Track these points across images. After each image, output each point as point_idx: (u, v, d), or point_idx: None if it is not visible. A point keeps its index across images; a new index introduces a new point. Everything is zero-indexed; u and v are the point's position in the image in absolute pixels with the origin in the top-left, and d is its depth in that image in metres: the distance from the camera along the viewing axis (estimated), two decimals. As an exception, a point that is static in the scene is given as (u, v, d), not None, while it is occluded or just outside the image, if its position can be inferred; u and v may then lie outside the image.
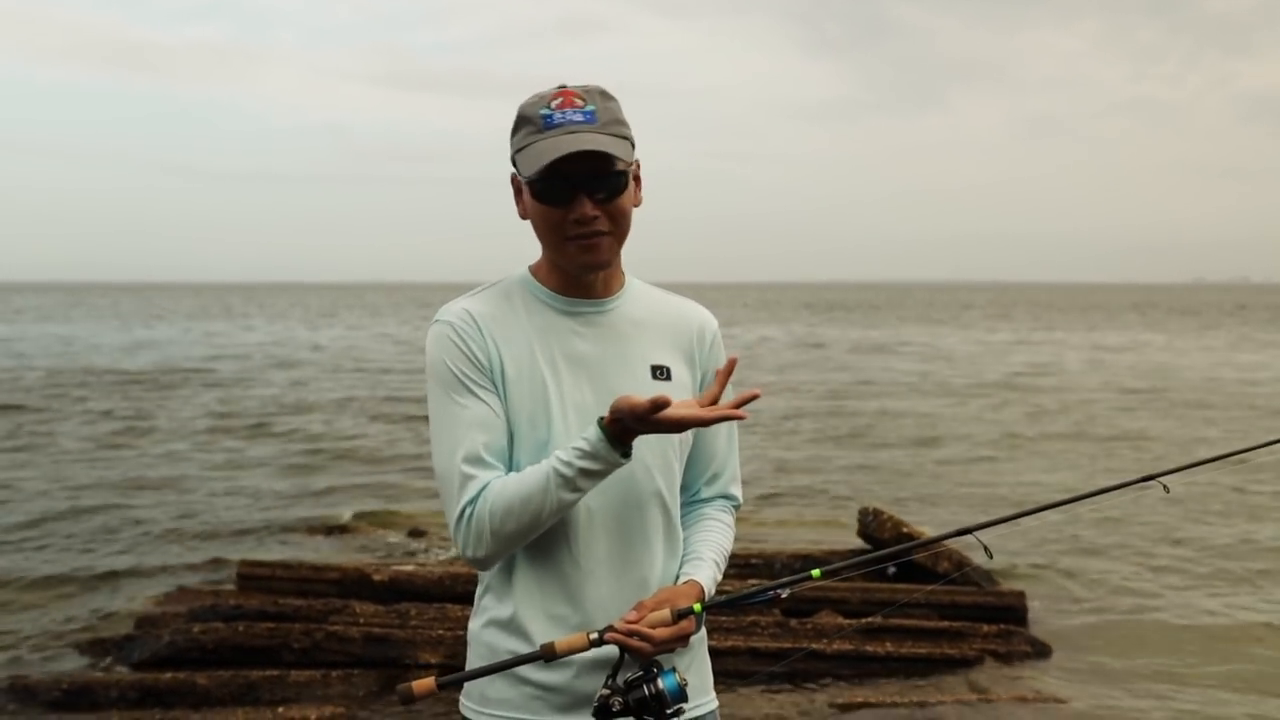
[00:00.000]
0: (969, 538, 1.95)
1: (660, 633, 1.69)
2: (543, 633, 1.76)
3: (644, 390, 1.77)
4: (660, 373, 1.85)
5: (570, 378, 1.80)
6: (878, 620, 5.63)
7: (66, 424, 15.37)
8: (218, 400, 18.65)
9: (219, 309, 74.80)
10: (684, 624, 1.71)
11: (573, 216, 1.73)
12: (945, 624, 5.72)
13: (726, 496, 2.00)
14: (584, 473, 1.67)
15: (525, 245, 1.89)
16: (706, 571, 1.84)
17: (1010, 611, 6.06)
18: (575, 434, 1.74)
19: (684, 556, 1.89)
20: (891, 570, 6.63)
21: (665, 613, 1.70)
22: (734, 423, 1.90)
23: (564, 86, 1.76)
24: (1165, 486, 2.19)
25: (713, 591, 1.83)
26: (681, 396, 1.81)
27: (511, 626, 1.79)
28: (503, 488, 1.71)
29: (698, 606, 1.73)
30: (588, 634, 1.69)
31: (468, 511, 1.72)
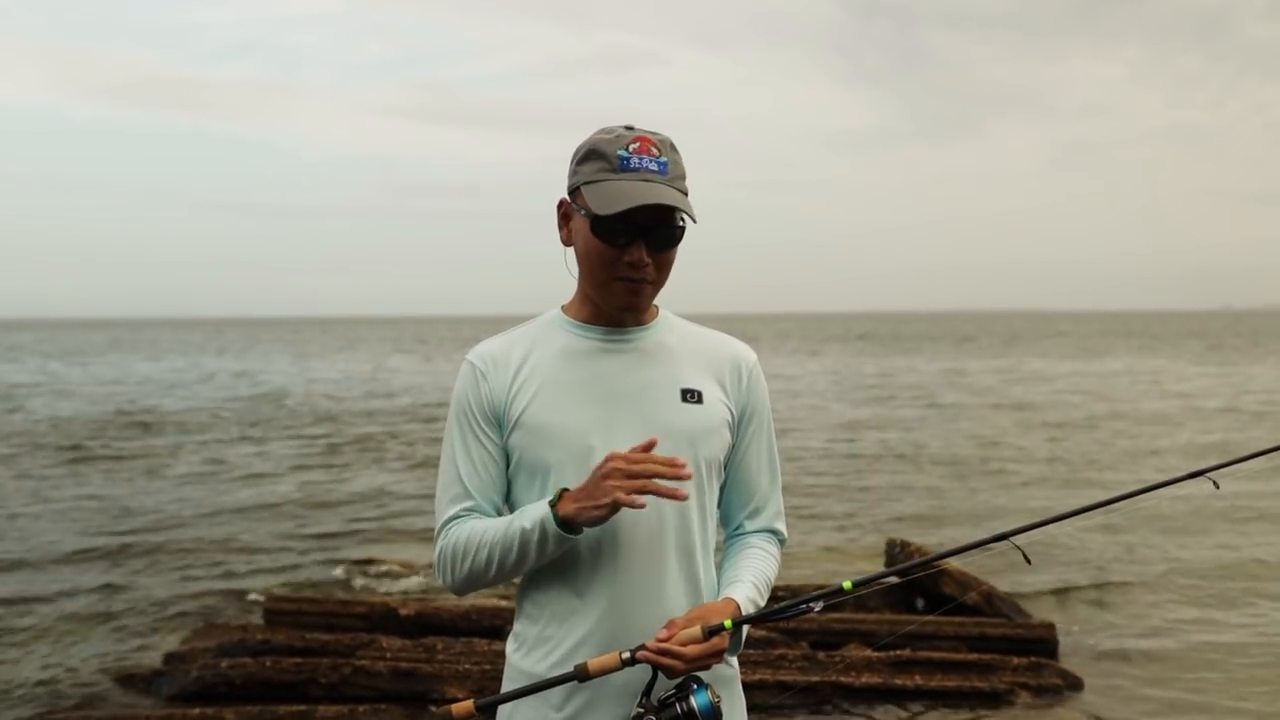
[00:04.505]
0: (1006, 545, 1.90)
1: (691, 650, 1.68)
2: (541, 657, 1.82)
3: (674, 413, 1.83)
4: (691, 396, 1.86)
5: (600, 405, 1.83)
6: (906, 652, 5.59)
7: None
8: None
9: (310, 346, 72.92)
10: (716, 640, 1.70)
11: (627, 259, 1.78)
12: (975, 656, 5.66)
13: (771, 531, 1.99)
14: (538, 545, 1.74)
15: (568, 278, 1.91)
16: (743, 590, 1.83)
17: (1041, 643, 6.00)
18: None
19: (722, 580, 1.89)
20: (920, 604, 6.59)
21: (696, 630, 1.69)
22: (775, 456, 2.00)
23: (633, 128, 1.81)
24: (1215, 483, 2.13)
25: (750, 611, 1.82)
26: (713, 421, 1.87)
27: (524, 648, 1.87)
28: (467, 530, 1.81)
29: (728, 623, 1.72)
30: (620, 654, 1.69)
31: (439, 542, 1.86)
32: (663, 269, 1.83)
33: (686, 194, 1.82)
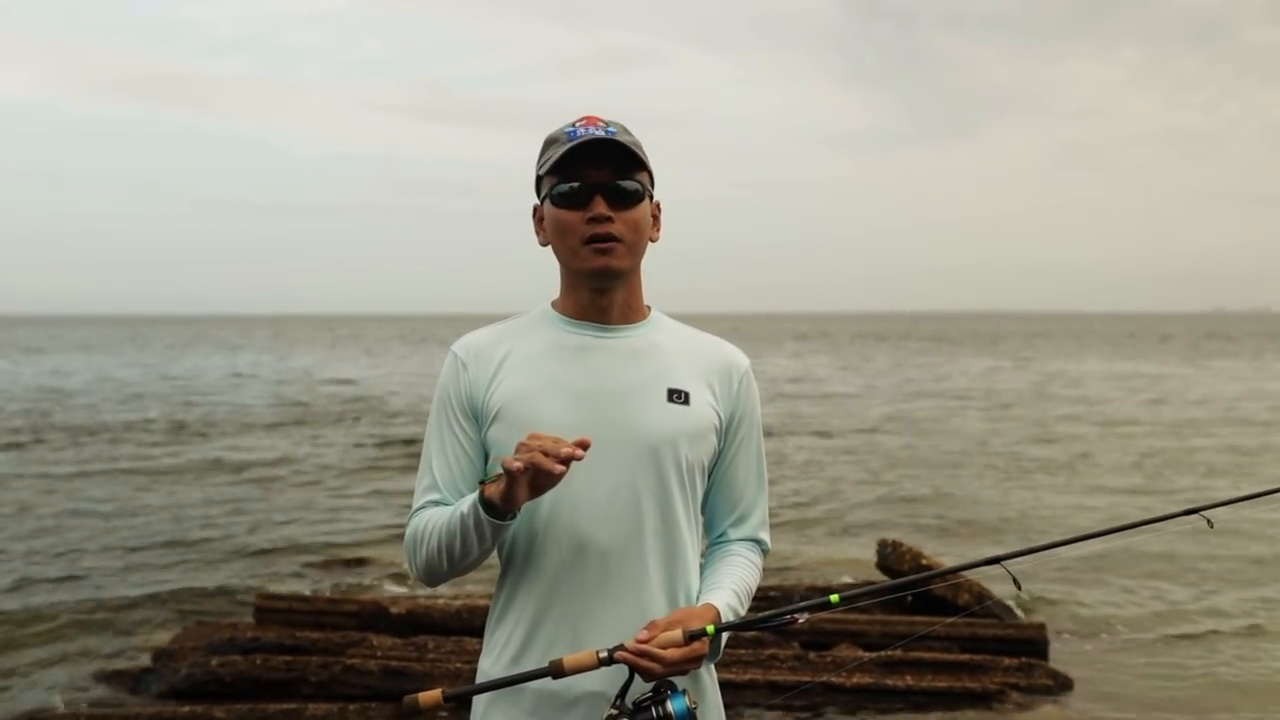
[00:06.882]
0: (996, 568, 1.87)
1: (671, 653, 1.64)
2: (511, 659, 1.78)
3: (658, 413, 1.80)
4: (677, 396, 1.82)
5: (581, 401, 1.79)
6: (897, 653, 5.58)
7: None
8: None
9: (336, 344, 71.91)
10: (696, 645, 1.66)
11: (589, 216, 1.77)
12: (966, 657, 5.67)
13: (755, 540, 1.96)
14: (475, 530, 1.68)
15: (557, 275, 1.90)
16: (724, 597, 1.80)
17: (1031, 644, 6.00)
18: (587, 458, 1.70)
19: (703, 585, 1.86)
20: (908, 599, 6.58)
21: (677, 633, 1.65)
22: (763, 464, 1.96)
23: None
24: (1209, 521, 2.09)
25: (731, 619, 1.78)
26: (699, 424, 1.83)
27: (493, 653, 1.82)
28: (425, 519, 1.79)
29: (710, 628, 1.68)
30: (596, 652, 1.64)
31: (406, 530, 1.83)
32: (631, 228, 1.79)
33: (646, 165, 1.82)
